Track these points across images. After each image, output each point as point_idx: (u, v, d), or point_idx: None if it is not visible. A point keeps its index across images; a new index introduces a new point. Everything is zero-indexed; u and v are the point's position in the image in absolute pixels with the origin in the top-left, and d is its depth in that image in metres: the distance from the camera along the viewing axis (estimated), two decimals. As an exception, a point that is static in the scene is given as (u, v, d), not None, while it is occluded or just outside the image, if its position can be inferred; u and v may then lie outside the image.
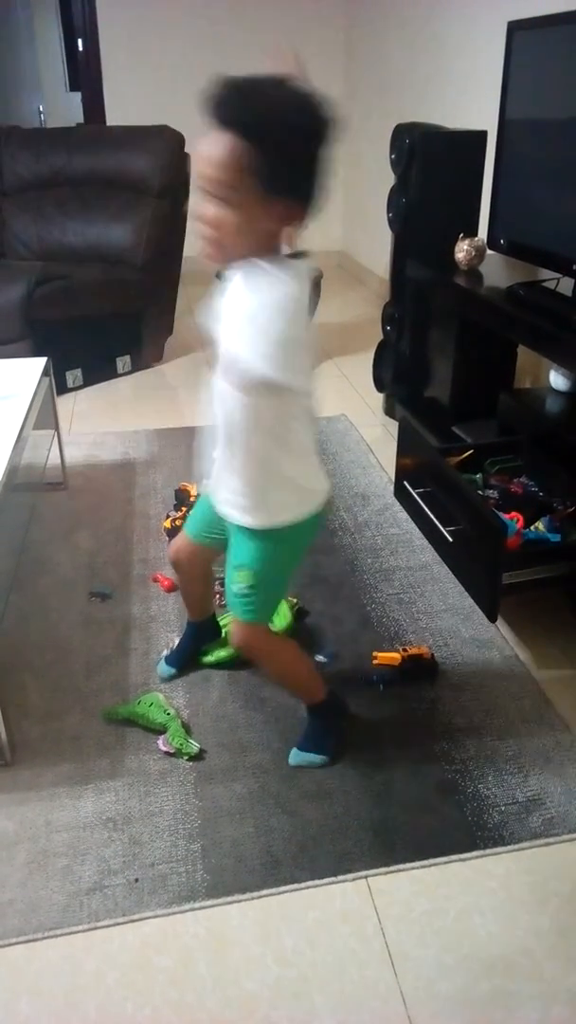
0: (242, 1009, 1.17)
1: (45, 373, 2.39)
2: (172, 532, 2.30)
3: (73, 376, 3.47)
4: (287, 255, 1.17)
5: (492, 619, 1.79)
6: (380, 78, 4.51)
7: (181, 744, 1.58)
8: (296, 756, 1.58)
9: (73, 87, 6.48)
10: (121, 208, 3.72)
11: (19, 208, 3.85)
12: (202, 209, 1.12)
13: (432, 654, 1.81)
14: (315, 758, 1.57)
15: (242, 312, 1.14)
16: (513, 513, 1.85)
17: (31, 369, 2.36)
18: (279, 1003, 1.18)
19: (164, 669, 1.80)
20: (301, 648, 1.61)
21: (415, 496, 2.03)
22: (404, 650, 1.81)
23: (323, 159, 1.12)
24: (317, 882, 1.35)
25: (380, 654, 1.83)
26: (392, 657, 1.80)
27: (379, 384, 3.21)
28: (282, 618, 1.88)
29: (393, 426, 2.87)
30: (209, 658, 1.82)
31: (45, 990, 1.20)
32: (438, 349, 2.79)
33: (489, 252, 2.50)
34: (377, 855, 1.39)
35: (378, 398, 3.25)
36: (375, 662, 1.82)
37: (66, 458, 2.65)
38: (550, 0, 2.14)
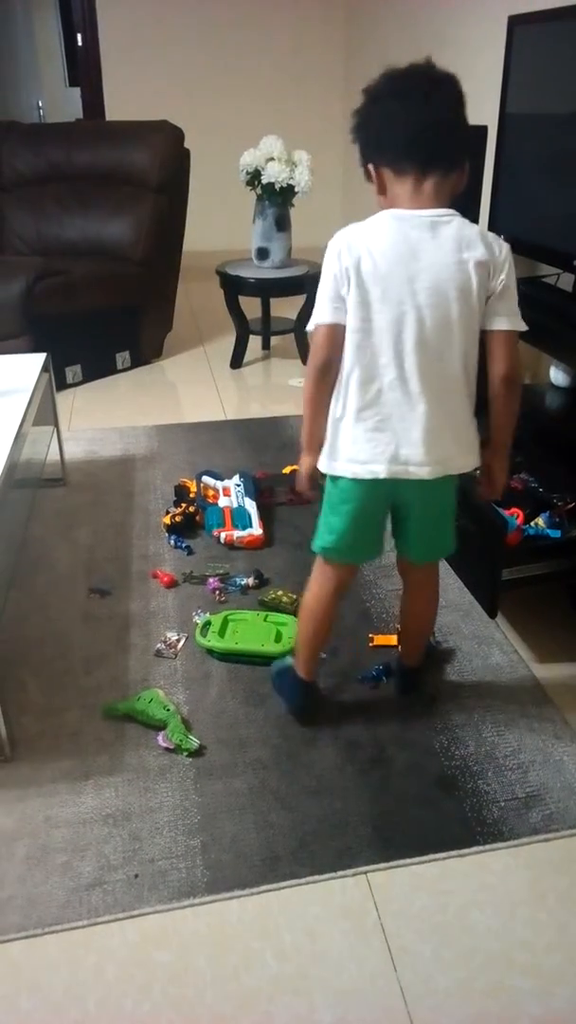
0: (242, 1004, 1.17)
1: (44, 369, 2.38)
2: (172, 528, 2.30)
3: (72, 372, 3.47)
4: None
5: (492, 615, 1.79)
6: (380, 73, 4.49)
7: (181, 740, 1.58)
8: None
9: (72, 83, 6.46)
10: (120, 203, 3.71)
11: (18, 203, 3.84)
12: None
13: (432, 635, 1.83)
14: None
15: None
16: (513, 509, 1.84)
17: (30, 365, 2.36)
18: (279, 998, 1.18)
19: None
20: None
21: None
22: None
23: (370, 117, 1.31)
24: (317, 877, 1.35)
25: (377, 636, 1.85)
26: (389, 639, 1.81)
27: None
28: (291, 628, 1.87)
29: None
30: (209, 642, 1.83)
31: (45, 985, 1.20)
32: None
33: (489, 247, 2.49)
34: (376, 850, 1.39)
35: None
36: (372, 644, 1.84)
37: (65, 454, 2.65)
38: (551, -6, 2.13)
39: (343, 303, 1.29)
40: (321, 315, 1.31)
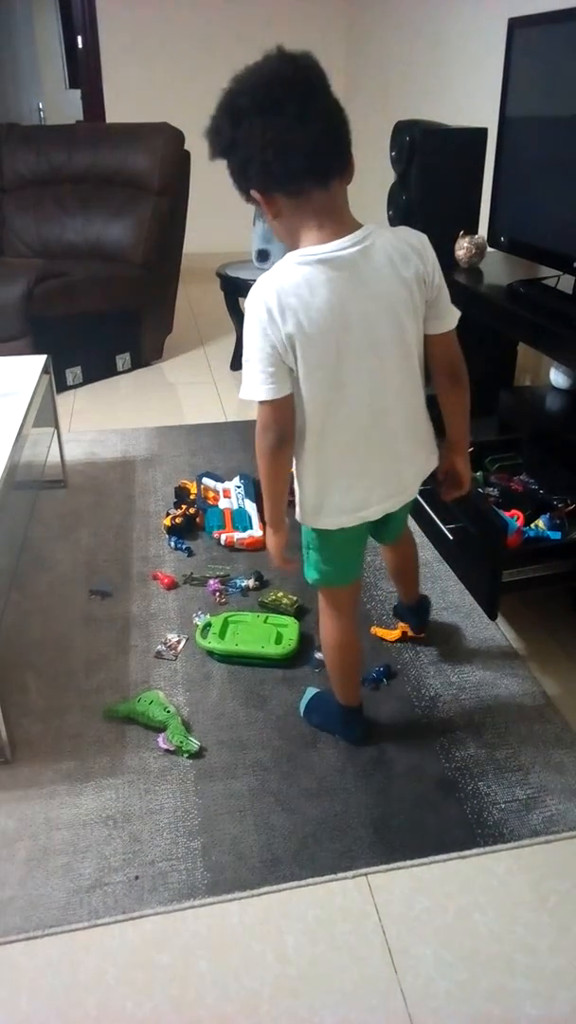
0: (242, 1007, 1.17)
1: (45, 370, 2.38)
2: (172, 530, 2.30)
3: (73, 374, 3.47)
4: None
5: (492, 617, 1.79)
6: (380, 75, 4.50)
7: (181, 742, 1.58)
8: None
9: (73, 84, 6.48)
10: (121, 205, 3.72)
11: (19, 205, 3.84)
12: None
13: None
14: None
15: None
16: (513, 511, 1.85)
17: (31, 366, 2.36)
18: (279, 1000, 1.18)
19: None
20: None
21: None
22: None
23: (246, 137, 1.11)
24: (317, 879, 1.35)
25: (377, 629, 1.91)
26: (388, 633, 1.89)
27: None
28: (292, 630, 1.88)
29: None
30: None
31: (45, 987, 1.20)
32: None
33: (489, 249, 2.50)
34: (377, 852, 1.39)
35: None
36: (371, 631, 1.91)
37: (66, 456, 2.65)
38: (551, -3, 2.13)
39: (287, 373, 1.18)
40: (261, 390, 1.18)
